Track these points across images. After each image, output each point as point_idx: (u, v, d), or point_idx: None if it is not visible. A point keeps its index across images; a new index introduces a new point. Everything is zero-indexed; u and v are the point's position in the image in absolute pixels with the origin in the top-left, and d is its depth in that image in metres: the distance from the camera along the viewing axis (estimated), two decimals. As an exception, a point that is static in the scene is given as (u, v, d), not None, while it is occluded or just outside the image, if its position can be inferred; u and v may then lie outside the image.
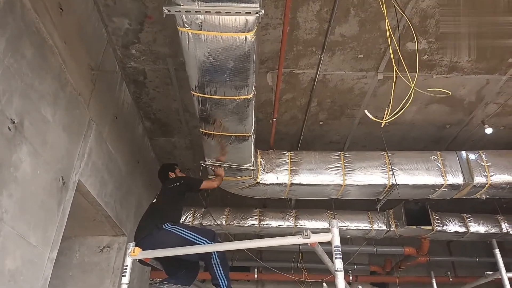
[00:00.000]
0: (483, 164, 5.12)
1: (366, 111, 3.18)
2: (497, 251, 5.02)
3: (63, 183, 3.36)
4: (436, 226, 6.71)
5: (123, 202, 4.95)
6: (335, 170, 5.09)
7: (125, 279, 3.09)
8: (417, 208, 6.61)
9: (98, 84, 4.01)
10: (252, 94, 3.32)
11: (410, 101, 2.70)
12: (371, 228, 6.82)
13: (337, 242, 2.64)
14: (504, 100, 5.10)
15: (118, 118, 4.63)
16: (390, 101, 2.71)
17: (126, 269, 3.13)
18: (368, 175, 5.06)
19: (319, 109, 5.36)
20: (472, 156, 5.20)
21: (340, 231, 2.77)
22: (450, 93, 4.34)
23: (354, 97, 5.08)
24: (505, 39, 4.12)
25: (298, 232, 2.72)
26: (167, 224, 3.47)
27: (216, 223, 6.66)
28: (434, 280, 7.52)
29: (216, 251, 3.36)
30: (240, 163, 4.55)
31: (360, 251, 7.89)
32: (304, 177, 5.08)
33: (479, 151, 5.27)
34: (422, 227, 6.56)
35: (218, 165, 4.45)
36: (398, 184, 4.97)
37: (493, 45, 4.21)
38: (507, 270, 4.81)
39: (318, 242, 2.77)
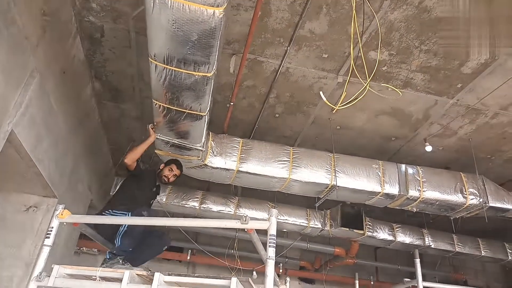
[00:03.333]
0: (419, 179, 5.45)
1: (321, 93, 3.28)
2: (417, 260, 5.36)
3: (-8, 130, 3.09)
4: (368, 231, 7.08)
5: (58, 163, 4.67)
6: (282, 164, 5.17)
7: (49, 241, 2.95)
8: (353, 212, 6.94)
9: (49, 32, 3.71)
10: (212, 72, 3.24)
11: (363, 95, 2.81)
12: (307, 225, 7.04)
13: (273, 231, 2.68)
14: (447, 123, 5.43)
15: (66, 73, 4.33)
16: (343, 91, 2.81)
17: (51, 231, 2.99)
18: (313, 173, 5.19)
19: (277, 102, 5.38)
20: (410, 170, 5.52)
21: (278, 224, 2.81)
22: (401, 93, 4.55)
23: (312, 95, 5.15)
24: (458, 64, 4.37)
25: (238, 219, 2.76)
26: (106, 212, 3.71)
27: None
28: (357, 282, 8.01)
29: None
30: (190, 142, 4.46)
31: (293, 246, 8.13)
32: (252, 166, 5.10)
33: (418, 166, 5.59)
34: (355, 230, 6.91)
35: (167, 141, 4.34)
36: (339, 186, 5.15)
37: (446, 68, 4.45)
38: (423, 280, 5.18)
39: (255, 229, 2.79)
